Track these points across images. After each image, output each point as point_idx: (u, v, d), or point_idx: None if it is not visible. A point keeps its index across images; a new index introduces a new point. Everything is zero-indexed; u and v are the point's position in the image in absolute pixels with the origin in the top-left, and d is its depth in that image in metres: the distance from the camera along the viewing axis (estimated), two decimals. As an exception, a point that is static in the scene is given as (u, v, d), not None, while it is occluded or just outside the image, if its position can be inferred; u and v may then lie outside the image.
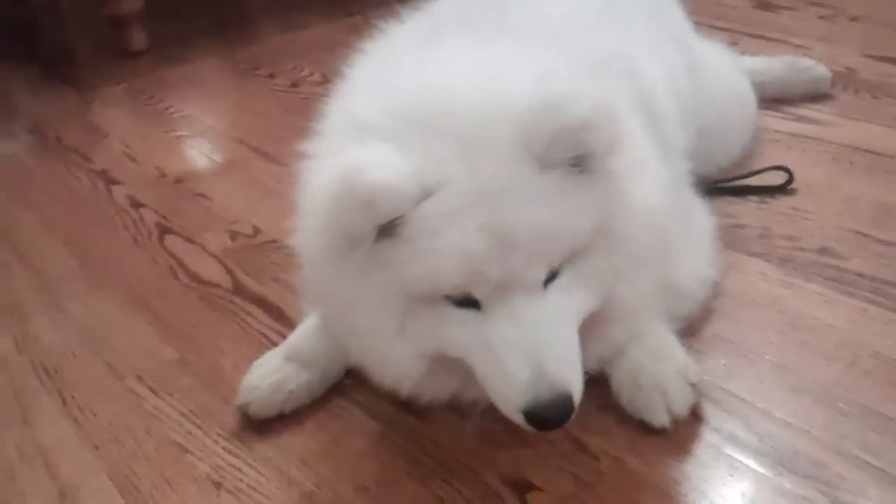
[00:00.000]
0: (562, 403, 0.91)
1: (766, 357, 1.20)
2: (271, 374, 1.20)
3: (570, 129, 0.90)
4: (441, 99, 0.96)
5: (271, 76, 2.61)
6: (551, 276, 0.95)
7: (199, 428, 1.20)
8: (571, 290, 0.97)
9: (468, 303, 0.95)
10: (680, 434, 1.08)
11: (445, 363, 1.00)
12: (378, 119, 0.97)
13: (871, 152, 1.70)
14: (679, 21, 1.62)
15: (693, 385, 1.11)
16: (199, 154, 2.19)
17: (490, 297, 0.93)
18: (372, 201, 0.88)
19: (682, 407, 1.09)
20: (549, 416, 0.91)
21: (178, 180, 2.00)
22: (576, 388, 0.93)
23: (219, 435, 1.18)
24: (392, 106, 0.98)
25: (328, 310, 1.12)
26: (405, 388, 1.05)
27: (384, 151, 0.91)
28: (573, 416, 0.93)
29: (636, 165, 1.02)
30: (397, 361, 1.00)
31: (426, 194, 0.91)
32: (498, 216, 0.91)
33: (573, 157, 0.93)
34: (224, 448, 1.16)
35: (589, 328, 1.00)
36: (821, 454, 1.04)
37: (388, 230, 0.92)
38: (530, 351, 0.92)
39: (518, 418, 0.93)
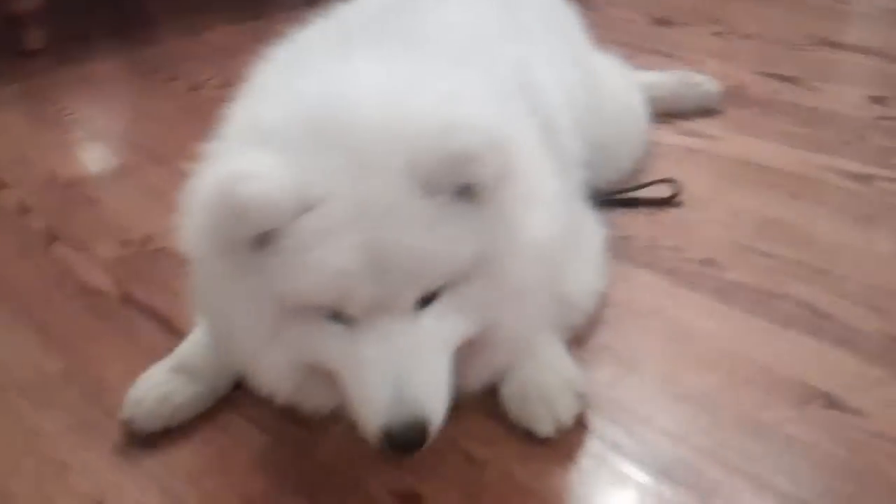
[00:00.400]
0: (416, 429, 0.90)
1: (650, 366, 1.23)
2: (157, 386, 1.17)
3: (458, 158, 0.89)
4: (339, 112, 0.95)
5: (172, 79, 2.55)
6: (427, 300, 0.95)
7: (82, 444, 1.17)
8: (447, 316, 0.95)
9: (341, 318, 0.94)
10: (566, 443, 1.10)
11: (325, 374, 0.99)
12: (275, 126, 0.96)
13: (757, 166, 1.76)
14: (576, 34, 1.64)
15: (580, 395, 1.12)
16: (94, 158, 2.13)
17: (361, 315, 0.93)
18: (245, 213, 0.87)
19: (567, 416, 1.10)
20: (401, 440, 0.90)
21: (70, 185, 1.94)
22: (435, 415, 0.92)
23: (102, 451, 1.15)
24: (291, 114, 0.97)
25: (206, 308, 1.10)
26: (280, 396, 1.04)
27: (267, 161, 0.90)
28: (428, 443, 0.92)
29: (529, 198, 1.00)
30: (270, 367, 0.99)
31: (305, 208, 0.90)
32: (374, 236, 0.90)
33: (459, 185, 0.92)
34: (107, 464, 1.13)
35: (470, 353, 1.00)
36: (699, 461, 1.06)
37: (264, 240, 0.91)
38: (393, 373, 0.91)
39: (373, 438, 0.93)
